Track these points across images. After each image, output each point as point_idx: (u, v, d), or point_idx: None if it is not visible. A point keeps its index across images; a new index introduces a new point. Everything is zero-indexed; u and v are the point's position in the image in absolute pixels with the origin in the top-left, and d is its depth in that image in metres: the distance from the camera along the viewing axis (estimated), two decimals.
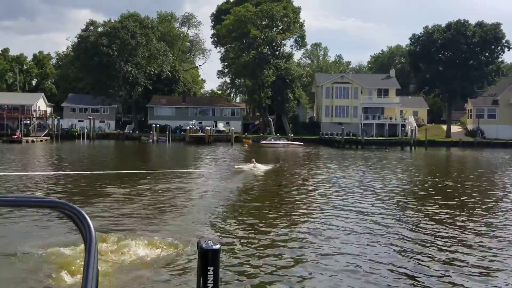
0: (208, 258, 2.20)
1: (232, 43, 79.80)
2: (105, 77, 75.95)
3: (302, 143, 62.43)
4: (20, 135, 62.70)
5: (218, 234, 11.95)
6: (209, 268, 2.19)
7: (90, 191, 18.95)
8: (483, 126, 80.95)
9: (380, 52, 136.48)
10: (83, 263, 1.71)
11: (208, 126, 72.21)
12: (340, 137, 66.10)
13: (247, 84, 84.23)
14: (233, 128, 71.71)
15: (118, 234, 11.07)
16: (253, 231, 12.15)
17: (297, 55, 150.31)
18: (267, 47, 77.99)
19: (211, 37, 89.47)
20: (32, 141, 62.67)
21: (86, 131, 75.45)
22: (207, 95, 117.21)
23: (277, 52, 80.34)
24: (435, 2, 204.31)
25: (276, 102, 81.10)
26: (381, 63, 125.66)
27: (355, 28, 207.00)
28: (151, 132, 73.93)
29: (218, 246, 2.25)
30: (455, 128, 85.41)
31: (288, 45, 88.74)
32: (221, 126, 78.78)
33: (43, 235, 11.37)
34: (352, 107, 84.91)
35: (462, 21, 74.28)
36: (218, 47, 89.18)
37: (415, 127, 79.00)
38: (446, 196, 19.32)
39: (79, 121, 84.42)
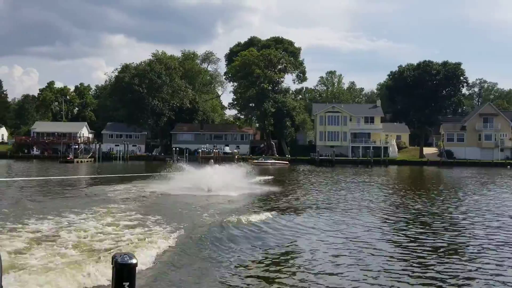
0: (123, 273, 2.23)
1: (239, 81, 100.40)
2: (137, 109, 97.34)
3: (287, 162, 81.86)
4: (72, 157, 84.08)
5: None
6: (124, 283, 2.22)
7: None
8: (454, 148, 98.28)
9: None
10: None
11: (216, 149, 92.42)
12: (330, 157, 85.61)
13: (255, 113, 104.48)
14: (236, 150, 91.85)
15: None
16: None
17: (313, 82, 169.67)
18: (268, 84, 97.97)
19: (223, 75, 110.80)
20: (81, 162, 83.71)
21: (121, 153, 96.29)
22: (228, 120, 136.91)
23: (276, 88, 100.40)
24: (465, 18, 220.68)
25: (276, 129, 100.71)
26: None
27: (387, 48, 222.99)
28: (175, 154, 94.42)
29: (134, 261, 2.36)
30: (432, 150, 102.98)
31: (290, 79, 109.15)
32: (227, 149, 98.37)
33: None
34: (342, 132, 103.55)
35: (427, 61, 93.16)
36: (231, 82, 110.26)
37: (391, 149, 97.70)
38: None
39: (115, 145, 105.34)
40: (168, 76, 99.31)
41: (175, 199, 25.10)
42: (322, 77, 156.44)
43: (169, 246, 12.87)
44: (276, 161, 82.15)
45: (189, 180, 28.90)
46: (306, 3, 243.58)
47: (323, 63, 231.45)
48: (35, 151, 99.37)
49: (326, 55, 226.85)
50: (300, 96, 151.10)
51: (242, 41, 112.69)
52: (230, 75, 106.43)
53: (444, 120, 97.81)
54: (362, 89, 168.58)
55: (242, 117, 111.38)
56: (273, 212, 20.03)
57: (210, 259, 12.25)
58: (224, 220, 17.22)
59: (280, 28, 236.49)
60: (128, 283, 2.09)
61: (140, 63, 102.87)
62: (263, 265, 11.83)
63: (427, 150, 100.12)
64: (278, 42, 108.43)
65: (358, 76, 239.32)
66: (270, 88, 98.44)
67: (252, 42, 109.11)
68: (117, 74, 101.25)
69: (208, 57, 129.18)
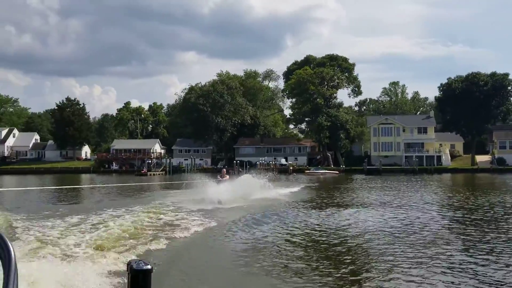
0: (139, 280, 2.30)
1: (295, 97, 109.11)
2: (202, 126, 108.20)
3: (337, 172, 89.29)
4: (146, 171, 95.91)
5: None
6: None
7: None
8: (506, 155, 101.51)
9: None
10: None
11: (273, 161, 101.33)
12: (378, 166, 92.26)
13: (310, 127, 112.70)
14: (290, 162, 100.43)
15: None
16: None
17: (377, 93, 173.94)
18: (321, 99, 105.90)
19: (281, 92, 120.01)
20: (154, 174, 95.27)
21: (189, 167, 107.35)
22: (291, 133, 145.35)
23: (329, 103, 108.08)
24: None
25: (331, 141, 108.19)
26: None
27: (463, 53, 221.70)
28: (236, 166, 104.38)
29: (149, 267, 2.35)
30: (485, 157, 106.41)
31: (345, 94, 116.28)
32: (283, 161, 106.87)
33: None
34: (396, 143, 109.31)
35: (475, 73, 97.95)
36: (289, 99, 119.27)
37: (444, 158, 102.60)
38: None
39: (184, 159, 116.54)
40: (229, 95, 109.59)
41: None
42: (385, 88, 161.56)
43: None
44: (327, 171, 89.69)
45: (202, 193, 28.78)
46: (377, 11, 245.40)
47: (396, 72, 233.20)
48: (114, 166, 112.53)
49: (398, 62, 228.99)
50: (364, 107, 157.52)
51: (299, 60, 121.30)
52: (287, 92, 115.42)
53: (495, 129, 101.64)
54: (426, 99, 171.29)
55: (298, 131, 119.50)
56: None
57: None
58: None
59: (350, 38, 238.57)
60: None
61: (205, 84, 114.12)
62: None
63: (480, 158, 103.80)
64: (332, 59, 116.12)
65: (434, 82, 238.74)
66: (323, 103, 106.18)
67: (308, 60, 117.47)
68: (184, 95, 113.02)
69: (269, 75, 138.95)
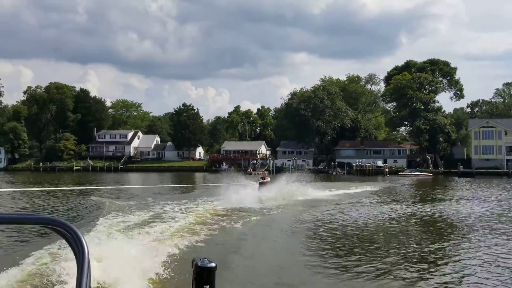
0: (203, 277, 2.36)
1: (393, 102, 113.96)
2: (304, 130, 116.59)
3: (431, 174, 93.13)
4: (251, 170, 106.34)
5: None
6: (204, 286, 2.35)
7: None
8: None
9: None
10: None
11: (368, 163, 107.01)
12: (472, 169, 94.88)
13: (409, 130, 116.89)
14: (386, 164, 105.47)
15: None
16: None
17: (489, 95, 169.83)
18: (420, 104, 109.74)
19: (381, 96, 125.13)
20: (257, 174, 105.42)
21: (291, 167, 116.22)
22: (394, 136, 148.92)
23: (428, 107, 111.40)
24: None
25: (430, 144, 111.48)
26: None
27: None
28: (336, 167, 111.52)
29: (213, 264, 2.39)
30: None
31: (446, 98, 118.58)
32: (379, 163, 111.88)
33: (35, 249, 12.91)
34: (497, 146, 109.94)
35: None
36: (388, 103, 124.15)
37: None
38: None
39: (288, 160, 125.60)
40: (330, 100, 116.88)
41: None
42: (498, 89, 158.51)
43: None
44: (420, 173, 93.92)
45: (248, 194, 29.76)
46: (499, 4, 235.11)
47: None
48: (224, 166, 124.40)
49: None
50: (477, 109, 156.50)
51: (399, 64, 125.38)
52: (386, 97, 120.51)
53: None
54: None
55: (399, 134, 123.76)
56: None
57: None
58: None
59: (469, 33, 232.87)
60: (208, 286, 2.29)
61: (306, 90, 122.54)
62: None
63: None
64: (433, 64, 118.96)
65: None
66: (422, 107, 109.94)
67: (408, 65, 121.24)
68: (287, 100, 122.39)
69: (371, 79, 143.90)
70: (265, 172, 36.03)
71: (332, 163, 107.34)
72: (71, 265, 8.42)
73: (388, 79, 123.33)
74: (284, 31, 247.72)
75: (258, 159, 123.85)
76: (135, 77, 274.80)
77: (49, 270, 10.60)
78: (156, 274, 10.91)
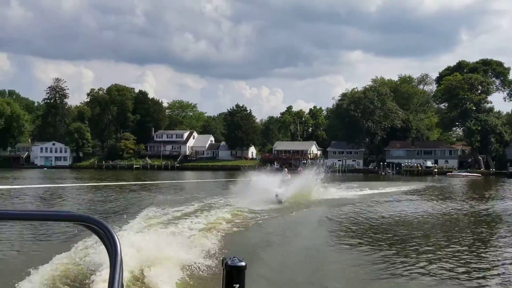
0: (233, 275, 2.39)
1: (444, 103, 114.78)
2: (353, 130, 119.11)
3: (479, 175, 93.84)
4: (301, 170, 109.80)
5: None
6: (234, 285, 2.38)
7: None
8: None
9: None
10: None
11: (418, 164, 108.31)
12: None
13: (461, 131, 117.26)
14: (436, 164, 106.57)
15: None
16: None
17: None
18: (471, 104, 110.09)
19: (431, 97, 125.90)
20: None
21: (340, 167, 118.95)
22: (445, 136, 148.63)
23: (479, 108, 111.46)
24: None
25: (482, 144, 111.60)
26: None
27: None
28: (386, 167, 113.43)
29: (243, 263, 2.43)
30: None
31: (501, 97, 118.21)
32: (429, 163, 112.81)
33: (69, 247, 13.23)
34: None
35: None
36: (439, 104, 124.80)
37: None
38: None
39: (338, 160, 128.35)
40: (380, 101, 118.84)
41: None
42: None
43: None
44: (469, 173, 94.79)
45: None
46: None
47: None
48: (275, 165, 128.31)
49: None
50: None
51: (451, 65, 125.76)
52: (437, 98, 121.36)
53: None
54: None
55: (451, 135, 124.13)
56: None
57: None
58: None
59: None
60: (238, 285, 2.31)
61: (356, 91, 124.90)
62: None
63: None
64: (486, 64, 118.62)
65: None
66: (473, 108, 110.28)
67: (460, 65, 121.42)
68: (337, 101, 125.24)
69: (423, 79, 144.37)
70: (286, 169, 35.28)
71: (382, 163, 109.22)
72: (105, 261, 8.74)
73: (439, 79, 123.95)
74: (339, 29, 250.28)
75: (308, 158, 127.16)
76: (191, 77, 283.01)
77: (83, 266, 11.12)
78: (187, 271, 11.14)
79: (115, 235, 1.85)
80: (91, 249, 12.26)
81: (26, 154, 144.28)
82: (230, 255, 2.46)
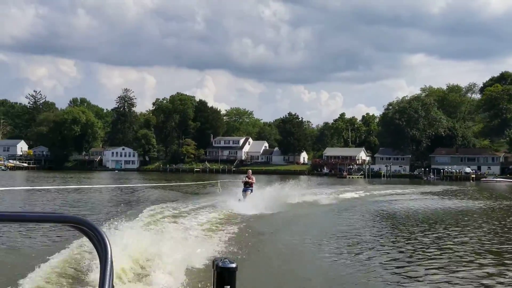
0: (224, 277, 2.41)
1: (485, 112, 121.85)
2: (398, 138, 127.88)
3: None
4: (346, 174, 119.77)
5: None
6: (225, 287, 2.41)
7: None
8: None
9: None
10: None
11: (459, 170, 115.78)
12: None
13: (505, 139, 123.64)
14: (472, 170, 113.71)
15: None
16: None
17: None
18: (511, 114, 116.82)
19: (474, 107, 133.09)
20: (352, 177, 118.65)
21: (386, 172, 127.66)
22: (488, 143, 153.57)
23: None
24: None
25: None
26: None
27: None
28: (430, 173, 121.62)
29: (234, 265, 2.46)
30: None
31: None
32: (468, 169, 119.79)
33: (58, 250, 12.74)
34: None
35: None
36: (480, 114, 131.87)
37: None
38: None
39: (385, 166, 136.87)
40: (424, 111, 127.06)
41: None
42: None
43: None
44: (502, 179, 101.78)
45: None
46: None
47: None
48: (325, 170, 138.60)
49: None
50: None
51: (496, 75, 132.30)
52: (479, 107, 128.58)
53: None
54: None
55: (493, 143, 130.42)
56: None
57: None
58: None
59: None
60: (229, 287, 2.32)
61: (402, 101, 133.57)
62: None
63: None
64: None
65: None
66: None
67: (503, 76, 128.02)
68: (384, 110, 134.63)
69: (471, 88, 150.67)
70: (250, 171, 30.91)
71: (424, 169, 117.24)
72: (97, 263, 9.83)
73: (482, 89, 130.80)
74: (400, 32, 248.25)
75: (355, 164, 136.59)
76: (249, 82, 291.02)
77: (75, 268, 10.96)
78: (179, 271, 10.96)
79: (105, 237, 1.88)
80: (85, 248, 12.21)
81: (99, 158, 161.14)
82: (221, 257, 2.55)
